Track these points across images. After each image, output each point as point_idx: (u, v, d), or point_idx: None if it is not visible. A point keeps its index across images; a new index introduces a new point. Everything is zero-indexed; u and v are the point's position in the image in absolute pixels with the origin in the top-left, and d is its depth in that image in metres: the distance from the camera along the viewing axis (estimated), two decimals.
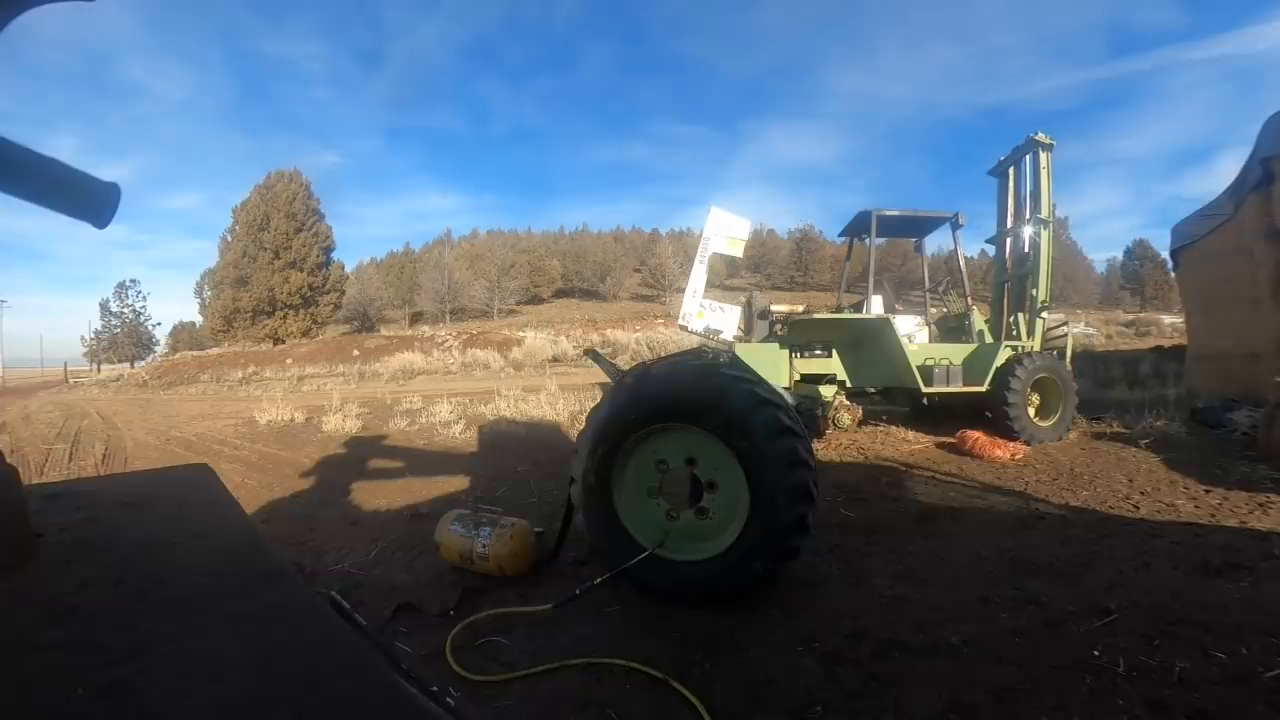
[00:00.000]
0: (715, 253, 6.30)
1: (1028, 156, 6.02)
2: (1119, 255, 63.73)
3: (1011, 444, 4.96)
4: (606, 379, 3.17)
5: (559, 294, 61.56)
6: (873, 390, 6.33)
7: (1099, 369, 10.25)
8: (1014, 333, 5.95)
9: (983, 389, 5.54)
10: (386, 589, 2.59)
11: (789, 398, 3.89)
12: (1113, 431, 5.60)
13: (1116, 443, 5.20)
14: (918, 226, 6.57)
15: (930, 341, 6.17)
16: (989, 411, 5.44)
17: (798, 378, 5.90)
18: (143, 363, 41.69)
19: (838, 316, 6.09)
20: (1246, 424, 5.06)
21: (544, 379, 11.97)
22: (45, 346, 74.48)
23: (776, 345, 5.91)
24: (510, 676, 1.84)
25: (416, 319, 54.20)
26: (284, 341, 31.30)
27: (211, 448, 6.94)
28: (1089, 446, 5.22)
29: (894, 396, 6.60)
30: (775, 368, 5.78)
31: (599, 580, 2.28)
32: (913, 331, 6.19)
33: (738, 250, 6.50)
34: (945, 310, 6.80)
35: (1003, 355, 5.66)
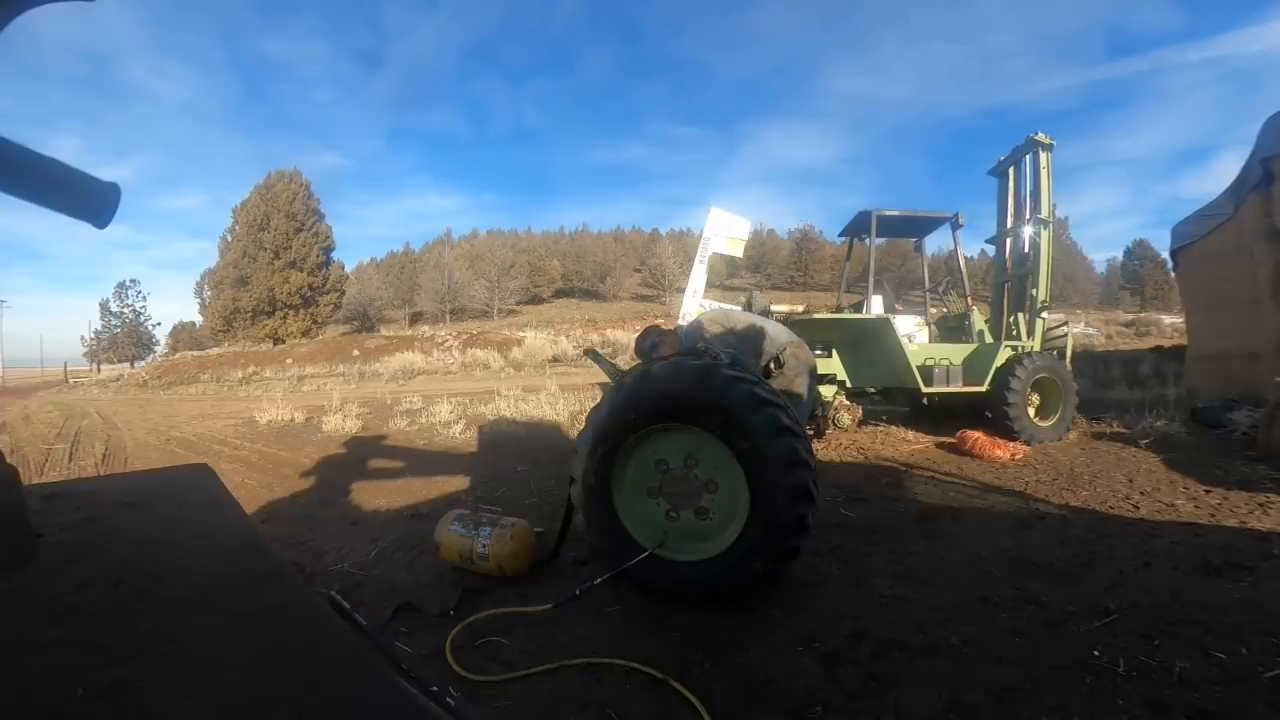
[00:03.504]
0: (715, 253, 6.31)
1: (1028, 156, 6.01)
2: (1119, 255, 63.63)
3: (1011, 444, 4.96)
4: (606, 379, 3.17)
5: (559, 294, 61.49)
6: (873, 390, 6.33)
7: (1099, 369, 10.24)
8: (1014, 333, 5.94)
9: (983, 389, 5.54)
10: (386, 589, 2.59)
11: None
12: (1113, 431, 5.60)
13: (1116, 443, 5.20)
14: (918, 226, 6.57)
15: (930, 341, 6.16)
16: (989, 411, 5.43)
17: None
18: (143, 363, 41.62)
19: (838, 316, 6.08)
20: (1246, 424, 5.05)
21: (544, 379, 11.96)
22: (45, 346, 74.57)
23: None
24: (510, 676, 1.84)
25: (416, 319, 54.15)
26: (284, 341, 31.28)
27: (211, 448, 6.93)
28: (1089, 446, 5.21)
29: (894, 396, 6.60)
30: None
31: (599, 580, 2.28)
32: (913, 331, 6.19)
33: (738, 250, 6.51)
34: (945, 310, 6.80)
35: (1003, 355, 5.66)
